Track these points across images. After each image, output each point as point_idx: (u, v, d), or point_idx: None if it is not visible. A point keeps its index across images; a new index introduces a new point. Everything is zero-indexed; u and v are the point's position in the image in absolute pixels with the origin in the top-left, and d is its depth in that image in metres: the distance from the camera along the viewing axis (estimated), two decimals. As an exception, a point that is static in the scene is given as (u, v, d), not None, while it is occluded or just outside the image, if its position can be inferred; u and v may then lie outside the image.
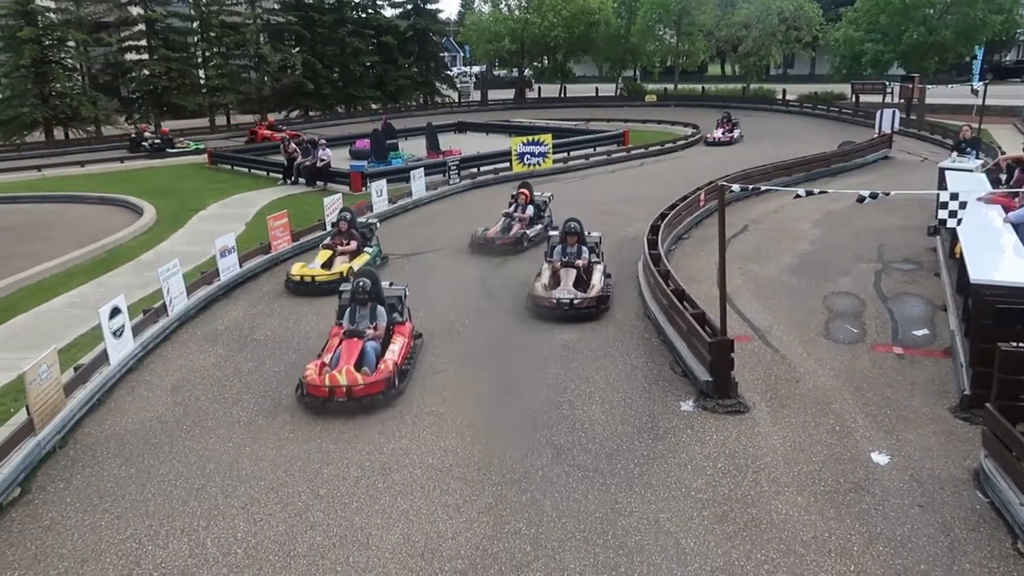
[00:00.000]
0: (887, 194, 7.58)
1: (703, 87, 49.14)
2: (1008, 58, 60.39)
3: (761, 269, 12.81)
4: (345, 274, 12.07)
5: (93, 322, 9.68)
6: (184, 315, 11.09)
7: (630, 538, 5.99)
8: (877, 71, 38.12)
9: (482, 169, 23.47)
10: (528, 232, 14.61)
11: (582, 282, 10.99)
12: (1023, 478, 5.86)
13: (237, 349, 10.18)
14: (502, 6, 53.43)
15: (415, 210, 19.15)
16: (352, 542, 6.06)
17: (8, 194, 22.69)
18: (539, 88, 55.81)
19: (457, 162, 22.34)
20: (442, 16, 52.71)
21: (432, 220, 18.03)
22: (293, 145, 23.91)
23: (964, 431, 7.38)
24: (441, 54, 53.08)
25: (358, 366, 8.39)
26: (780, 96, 41.76)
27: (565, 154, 25.92)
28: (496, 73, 66.54)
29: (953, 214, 8.17)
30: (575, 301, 10.52)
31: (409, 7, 49.16)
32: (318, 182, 22.57)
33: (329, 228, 14.57)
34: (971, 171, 14.43)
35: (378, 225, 14.53)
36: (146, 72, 38.25)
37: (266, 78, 42.28)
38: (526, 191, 15.29)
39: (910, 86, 31.44)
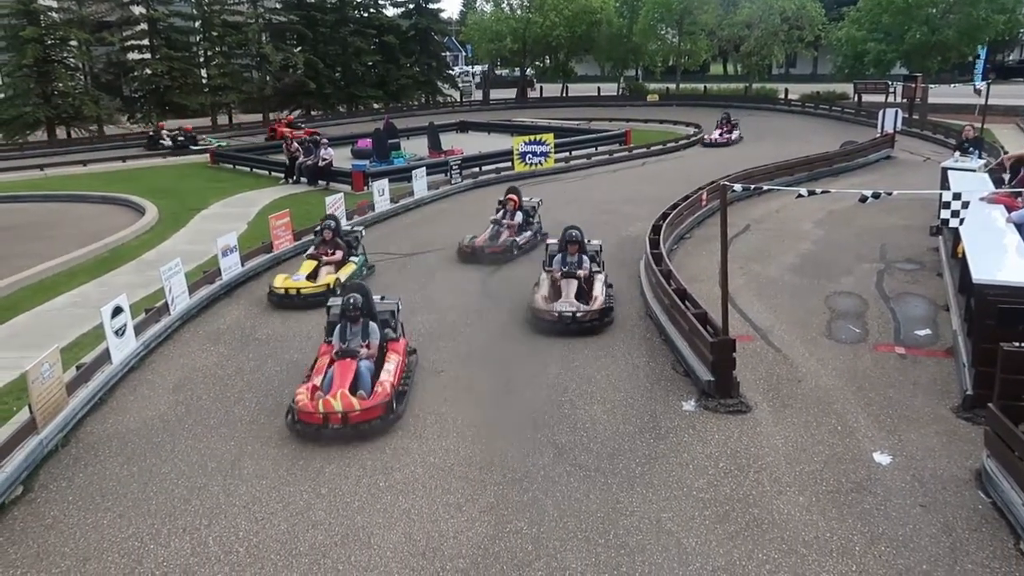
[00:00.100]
0: (889, 194, 7.57)
1: (705, 87, 49.13)
2: (1011, 58, 60.30)
3: (763, 269, 12.81)
4: (332, 286, 11.64)
5: (95, 321, 9.69)
6: (186, 314, 11.10)
7: (632, 537, 5.99)
8: (879, 71, 38.11)
9: (484, 168, 23.48)
10: (518, 239, 14.05)
11: (583, 293, 10.54)
12: (1025, 478, 5.86)
13: (239, 348, 10.18)
14: (504, 5, 53.49)
15: (417, 209, 19.16)
16: (354, 541, 6.06)
17: (10, 193, 22.73)
18: (541, 88, 55.80)
19: (459, 161, 22.35)
20: (444, 15, 52.75)
21: (434, 220, 18.03)
22: (296, 144, 23.93)
23: (966, 431, 7.37)
24: (443, 53, 53.09)
25: (353, 389, 7.82)
26: (782, 96, 41.74)
27: (567, 154, 25.93)
28: (498, 72, 66.52)
29: (956, 214, 8.16)
30: (577, 314, 10.04)
31: (411, 6, 49.22)
32: (320, 181, 22.59)
33: (312, 236, 13.71)
34: (974, 171, 14.41)
35: (363, 233, 13.81)
36: (148, 71, 38.32)
37: (268, 77, 42.33)
38: (514, 197, 14.69)
39: (912, 86, 31.40)
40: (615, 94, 50.32)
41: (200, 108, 39.20)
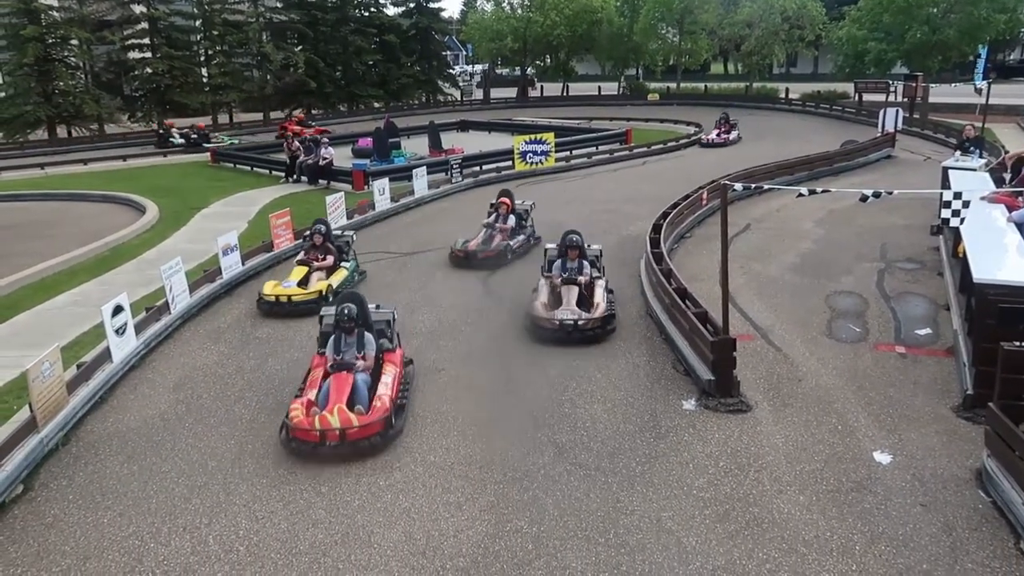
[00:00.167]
0: (890, 193, 7.57)
1: (706, 86, 49.09)
2: (1012, 57, 60.25)
3: (763, 268, 12.80)
4: (324, 292, 11.32)
5: (96, 320, 9.69)
6: (186, 313, 11.11)
7: (632, 536, 5.99)
8: (880, 70, 38.10)
9: (484, 168, 23.49)
10: (511, 243, 13.68)
11: (584, 300, 10.18)
12: (1026, 477, 5.86)
13: (239, 347, 10.19)
14: (504, 5, 53.51)
15: (417, 208, 19.17)
16: (354, 540, 6.06)
17: (11, 192, 22.76)
18: (541, 87, 55.78)
19: (459, 161, 22.36)
20: (444, 15, 52.68)
21: (434, 219, 18.03)
22: (296, 143, 23.93)
23: (967, 430, 7.37)
24: (443, 53, 53.07)
25: (350, 404, 7.45)
26: (783, 95, 41.71)
27: (567, 153, 25.92)
28: (498, 72, 66.52)
29: (956, 213, 8.16)
30: (579, 322, 9.70)
31: (411, 6, 49.20)
32: (320, 180, 22.60)
33: (304, 240, 13.20)
34: (974, 170, 14.41)
35: (354, 237, 13.42)
36: (149, 70, 38.32)
37: (269, 76, 42.32)
38: (507, 199, 14.33)
39: (913, 85, 31.38)
40: (616, 93, 50.28)
41: (201, 107, 39.20)
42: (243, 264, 12.94)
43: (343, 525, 6.25)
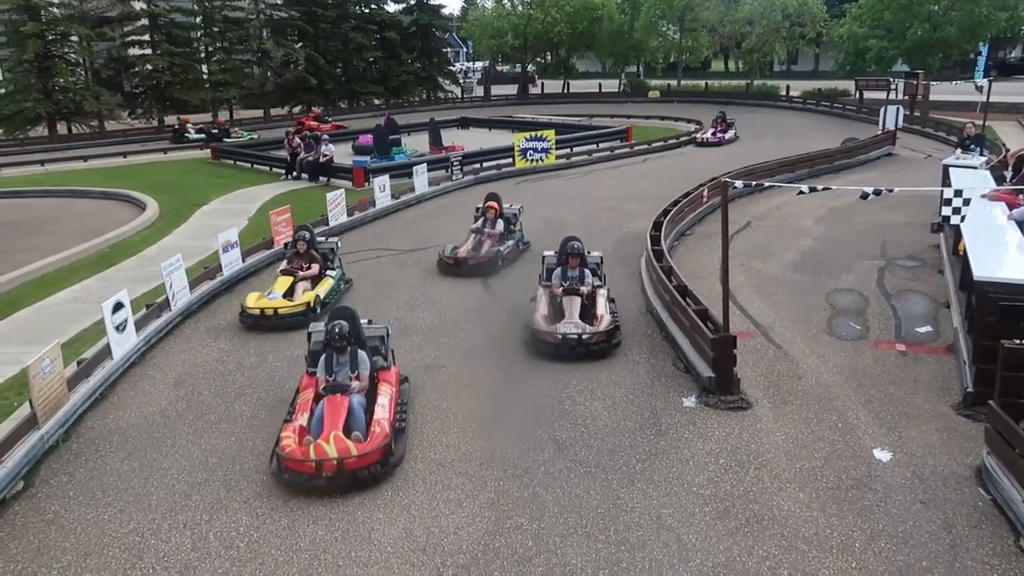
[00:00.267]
0: (891, 191, 7.56)
1: (706, 83, 49.09)
2: (1013, 55, 60.15)
3: (764, 265, 12.80)
4: (312, 304, 10.71)
5: (96, 317, 9.69)
6: (187, 310, 11.12)
7: (632, 533, 6.00)
8: (881, 67, 38.04)
9: (485, 165, 23.48)
10: (501, 249, 13.11)
11: (586, 311, 9.66)
12: (1026, 475, 5.86)
13: (240, 344, 10.19)
14: (505, 1, 53.44)
15: (418, 205, 19.16)
16: (354, 536, 6.07)
17: (11, 188, 22.75)
18: (542, 84, 55.73)
19: (460, 158, 22.35)
20: (445, 11, 52.61)
21: (434, 216, 18.02)
22: (297, 140, 23.92)
23: (967, 428, 7.38)
24: (444, 50, 53.05)
25: (346, 430, 6.90)
26: (784, 92, 41.68)
27: (568, 150, 25.91)
28: (499, 69, 66.43)
29: (957, 211, 8.14)
30: (583, 336, 9.16)
31: (412, 2, 49.18)
32: (321, 177, 22.59)
33: (284, 248, 12.57)
34: (975, 168, 14.41)
35: (339, 244, 12.75)
36: (149, 67, 38.30)
37: (269, 73, 42.31)
38: (495, 203, 13.64)
39: (914, 83, 31.36)
40: (616, 90, 50.26)
41: (201, 104, 39.18)
42: (243, 261, 12.95)
43: (343, 522, 6.25)
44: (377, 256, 14.28)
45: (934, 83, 31.98)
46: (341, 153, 24.56)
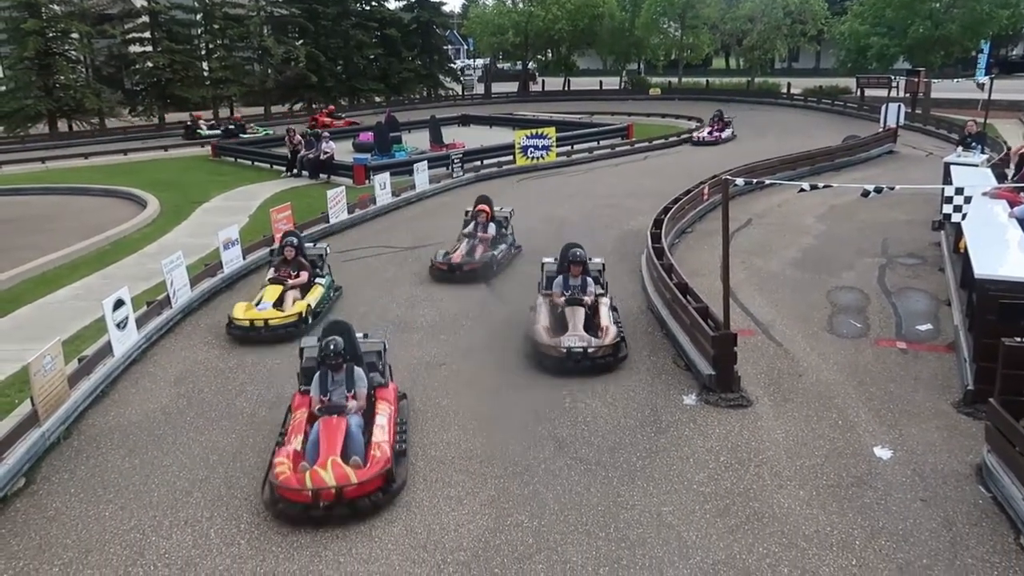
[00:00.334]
0: (892, 188, 7.57)
1: (707, 80, 49.09)
2: (1014, 52, 60.09)
3: (765, 263, 12.80)
4: (304, 314, 10.26)
5: (97, 314, 9.70)
6: (188, 307, 11.12)
7: (632, 531, 6.00)
8: (882, 65, 37.98)
9: (485, 162, 23.46)
10: (496, 254, 12.63)
11: (590, 322, 9.15)
12: (1026, 473, 5.86)
13: (241, 341, 10.18)
14: (506, -1, 53.36)
15: (418, 203, 19.16)
16: (355, 533, 6.07)
17: (12, 186, 22.76)
18: (543, 81, 55.70)
19: (460, 155, 22.34)
20: (446, 9, 52.65)
21: (435, 213, 18.01)
22: (298, 137, 23.91)
23: (967, 426, 7.38)
24: (445, 47, 53.02)
25: (344, 455, 6.41)
26: (785, 90, 41.66)
27: (569, 147, 25.89)
28: (500, 66, 66.38)
29: (958, 209, 8.15)
30: (589, 350, 8.66)
31: (413, 0, 49.06)
32: (321, 175, 22.59)
33: (272, 255, 11.97)
34: (976, 166, 14.40)
35: (328, 250, 12.21)
36: (150, 64, 38.26)
37: (269, 70, 42.29)
38: (486, 206, 13.13)
39: (915, 80, 31.31)
40: (617, 88, 50.24)
41: (201, 101, 39.15)
42: (244, 258, 12.95)
43: (344, 519, 6.25)
44: (378, 254, 14.28)
45: (935, 81, 31.89)
46: (342, 150, 24.54)
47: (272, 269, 11.16)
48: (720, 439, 7.33)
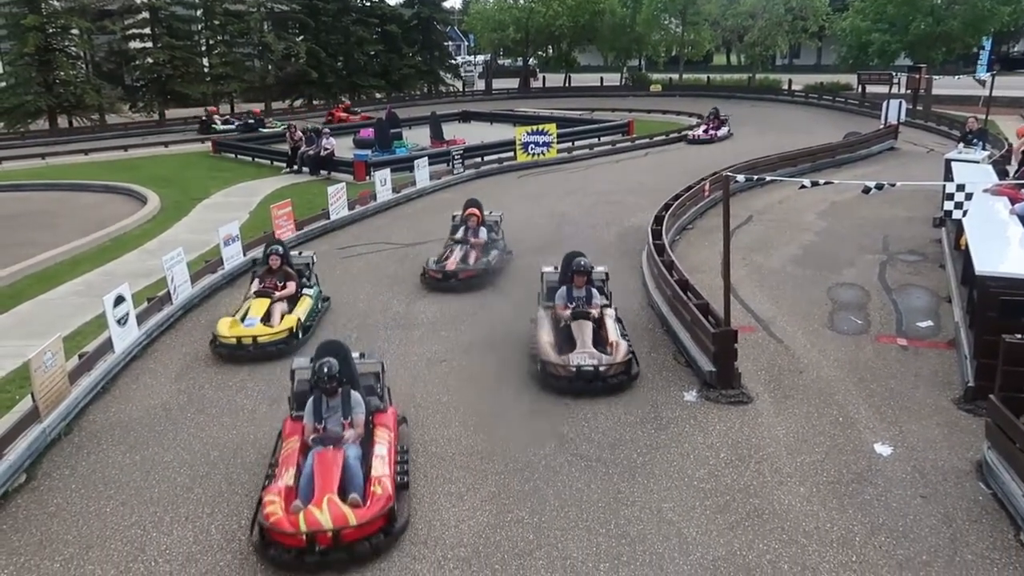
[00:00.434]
0: (893, 185, 7.54)
1: (708, 77, 48.97)
2: (1016, 49, 60.01)
3: (765, 260, 12.79)
4: (295, 329, 9.60)
5: (97, 310, 9.69)
6: (188, 303, 11.13)
7: (632, 527, 6.01)
8: (884, 61, 37.93)
9: (486, 159, 23.44)
10: (490, 260, 12.05)
11: (597, 337, 8.59)
12: (1026, 470, 5.87)
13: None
14: (507, -5, 53.24)
15: (419, 199, 19.14)
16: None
17: (12, 182, 22.75)
18: (544, 77, 55.64)
19: (461, 151, 22.32)
20: (446, 4, 52.64)
21: (436, 209, 17.97)
22: (299, 133, 23.89)
23: (967, 423, 7.38)
24: (445, 43, 52.92)
25: (341, 492, 5.84)
26: (786, 86, 41.58)
27: (570, 144, 25.86)
28: (500, 62, 66.29)
29: (959, 205, 8.12)
30: (600, 368, 8.07)
31: (413, -4, 49.06)
32: (322, 171, 22.57)
33: (255, 266, 11.26)
34: (977, 162, 14.38)
35: (315, 258, 11.53)
36: (150, 60, 38.25)
37: (270, 66, 42.23)
38: (476, 211, 12.54)
39: (917, 77, 31.24)
40: (618, 84, 50.14)
41: (202, 97, 39.14)
42: (244, 255, 12.93)
43: (345, 515, 6.25)
44: (378, 250, 14.28)
45: (936, 77, 31.87)
46: (342, 147, 24.53)
47: (256, 280, 10.42)
48: (720, 436, 7.33)
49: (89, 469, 7.10)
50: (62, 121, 36.21)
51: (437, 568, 5.63)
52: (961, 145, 16.60)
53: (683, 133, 28.52)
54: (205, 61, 40.82)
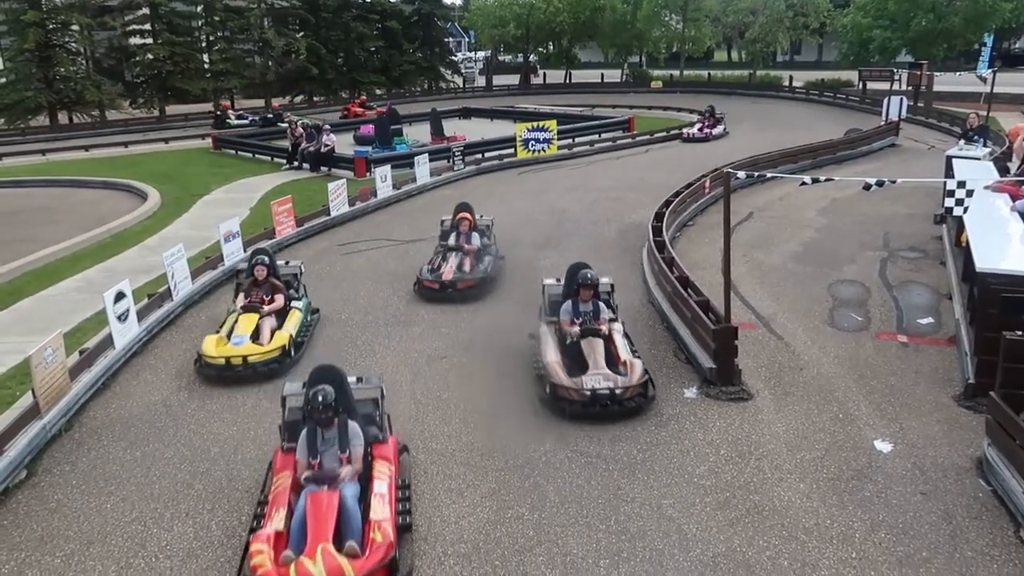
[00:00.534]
0: (893, 182, 7.54)
1: (709, 73, 48.88)
2: (1017, 45, 59.88)
3: (766, 257, 12.79)
4: (287, 347, 8.95)
5: (98, 306, 9.70)
6: (188, 300, 11.13)
7: (632, 523, 6.01)
8: (885, 58, 37.85)
9: (486, 155, 23.42)
10: (487, 267, 11.52)
11: (609, 356, 8.03)
12: (1026, 466, 5.87)
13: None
14: (507, -9, 53.12)
15: (420, 196, 19.13)
16: (356, 526, 6.07)
17: (12, 178, 22.73)
18: (544, 74, 55.54)
19: (461, 148, 22.30)
20: (447, 1, 52.40)
21: (436, 206, 17.92)
22: (300, 130, 23.87)
23: (967, 419, 7.38)
24: (446, 39, 52.84)
25: (337, 538, 5.29)
26: (787, 83, 41.50)
27: (570, 140, 25.84)
28: (501, 59, 66.19)
29: (960, 202, 8.12)
30: (617, 391, 7.50)
31: (414, -8, 48.95)
32: (322, 167, 22.54)
33: (239, 277, 10.51)
34: (978, 159, 14.35)
35: (302, 268, 10.86)
36: (150, 56, 38.15)
37: (270, 63, 42.15)
38: (468, 215, 11.90)
39: (918, 73, 31.19)
40: (619, 81, 50.07)
41: (202, 93, 39.09)
42: (245, 251, 12.91)
43: (345, 511, 6.25)
44: (379, 247, 14.27)
45: (938, 74, 31.81)
46: (343, 143, 24.51)
47: (242, 294, 9.70)
48: (721, 432, 7.34)
49: (90, 465, 7.11)
50: (62, 117, 36.15)
51: (437, 564, 5.63)
52: (962, 142, 16.56)
53: (678, 131, 28.15)
54: (205, 57, 40.75)
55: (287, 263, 10.84)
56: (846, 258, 12.48)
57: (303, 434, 6.00)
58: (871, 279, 11.47)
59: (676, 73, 48.54)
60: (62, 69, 35.17)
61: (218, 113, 33.83)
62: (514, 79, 53.77)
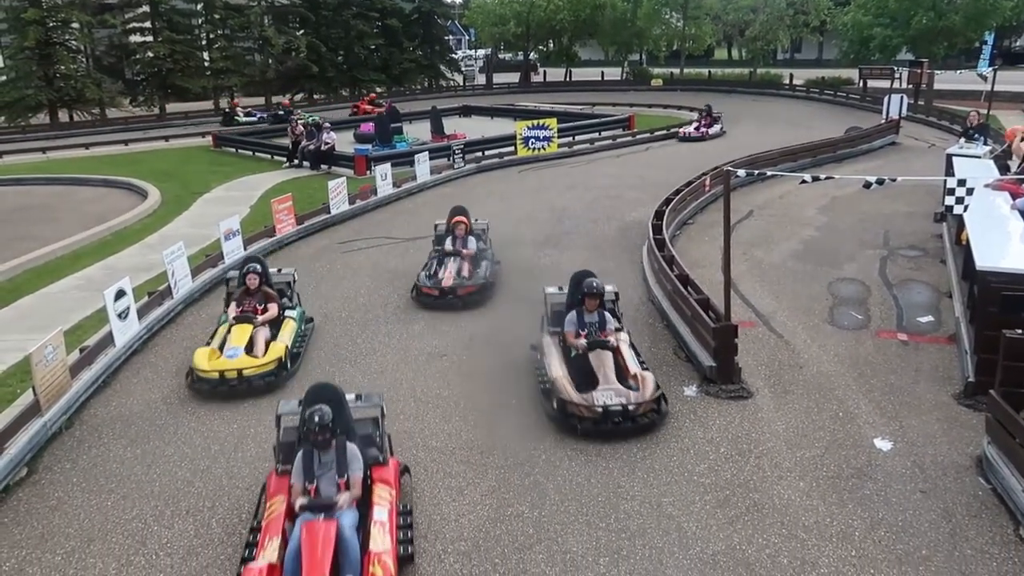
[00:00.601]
0: (894, 180, 7.55)
1: (709, 71, 48.83)
2: (1018, 44, 59.81)
3: (766, 255, 12.78)
4: (283, 359, 8.56)
5: (98, 304, 9.71)
6: (189, 297, 11.14)
7: (632, 521, 6.02)
8: (885, 56, 37.79)
9: (487, 153, 23.40)
10: (486, 273, 11.19)
11: (618, 369, 7.67)
12: (1026, 465, 5.87)
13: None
14: (507, -11, 53.07)
15: (420, 194, 19.12)
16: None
17: (13, 176, 22.73)
18: (544, 72, 55.49)
19: (462, 146, 22.29)
20: (447, -1, 52.40)
21: (436, 204, 17.92)
22: (300, 128, 23.86)
23: (967, 418, 7.39)
24: (446, 37, 52.77)
25: (335, 573, 5.01)
26: (787, 81, 41.47)
27: (570, 139, 25.83)
28: (501, 57, 66.13)
29: (960, 200, 8.15)
30: (630, 408, 7.14)
31: (414, -10, 48.91)
32: (322, 165, 22.54)
33: (229, 285, 10.08)
34: (979, 157, 14.34)
35: (296, 275, 10.46)
36: (150, 54, 38.13)
37: (270, 61, 42.12)
38: (464, 219, 11.59)
39: (918, 71, 31.16)
40: (619, 79, 50.02)
41: (202, 91, 39.08)
42: (245, 249, 12.93)
43: (345, 509, 6.26)
44: (379, 244, 14.27)
45: (938, 72, 31.78)
46: (343, 141, 24.50)
47: (234, 304, 9.28)
48: (720, 430, 7.34)
49: (90, 463, 7.12)
50: (63, 115, 36.14)
51: (437, 562, 5.64)
52: (962, 140, 16.53)
53: (673, 130, 28.00)
54: (205, 55, 40.75)
55: (280, 271, 10.48)
56: (846, 256, 12.48)
57: (299, 457, 5.64)
58: (871, 277, 11.47)
59: (676, 71, 48.48)
60: (62, 67, 35.16)
61: (226, 110, 33.89)
62: (514, 77, 53.71)
